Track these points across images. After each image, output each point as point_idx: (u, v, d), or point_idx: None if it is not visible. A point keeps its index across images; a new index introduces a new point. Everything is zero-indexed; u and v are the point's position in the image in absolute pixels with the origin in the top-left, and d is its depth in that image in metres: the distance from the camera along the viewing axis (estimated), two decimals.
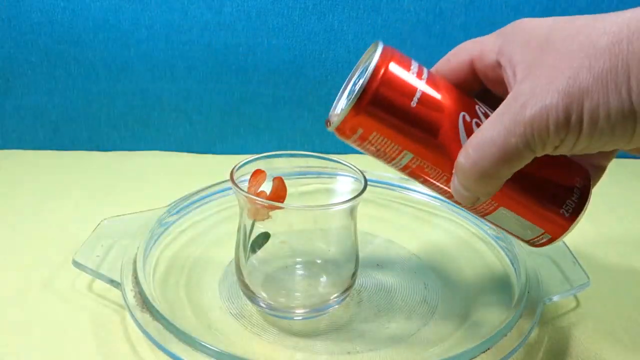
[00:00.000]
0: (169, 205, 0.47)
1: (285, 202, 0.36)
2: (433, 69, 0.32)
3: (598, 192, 0.62)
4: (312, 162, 0.41)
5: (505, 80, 0.28)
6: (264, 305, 0.37)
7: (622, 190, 0.64)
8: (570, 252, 0.44)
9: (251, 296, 0.37)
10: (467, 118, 0.30)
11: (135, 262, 0.39)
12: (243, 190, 0.35)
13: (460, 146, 0.29)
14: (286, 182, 0.37)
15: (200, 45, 0.63)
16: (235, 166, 0.37)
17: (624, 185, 0.66)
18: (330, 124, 0.31)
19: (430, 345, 0.36)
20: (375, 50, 0.30)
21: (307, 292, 0.39)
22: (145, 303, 0.35)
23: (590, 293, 0.43)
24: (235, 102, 0.67)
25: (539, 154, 0.27)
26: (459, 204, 0.31)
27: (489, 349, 0.33)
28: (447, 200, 0.34)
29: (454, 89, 0.31)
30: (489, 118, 0.27)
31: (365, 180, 0.36)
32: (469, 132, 0.29)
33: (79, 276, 0.42)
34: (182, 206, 0.48)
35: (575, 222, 0.32)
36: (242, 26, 0.63)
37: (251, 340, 0.36)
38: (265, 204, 0.35)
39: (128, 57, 0.63)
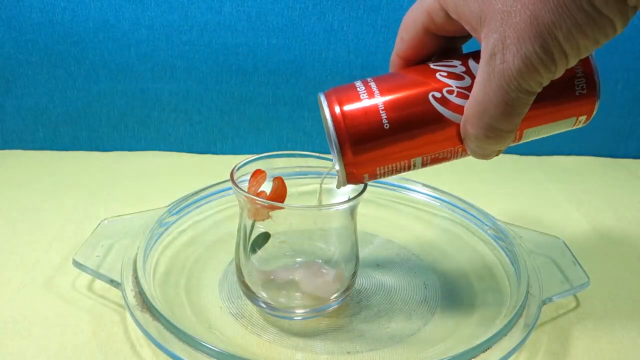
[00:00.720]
0: (169, 205, 0.47)
1: (286, 202, 0.36)
2: (393, 55, 0.33)
3: (598, 192, 0.63)
4: (312, 162, 0.41)
5: (466, 28, 0.28)
6: (264, 305, 0.37)
7: (622, 190, 0.64)
8: (571, 252, 0.44)
9: (251, 296, 0.37)
10: (437, 95, 0.30)
11: (135, 262, 0.39)
12: (243, 191, 0.35)
13: (449, 120, 0.29)
14: (286, 182, 0.37)
15: (200, 45, 0.63)
16: (235, 166, 0.37)
17: (624, 185, 0.66)
18: (340, 184, 0.33)
19: (430, 345, 0.36)
20: (323, 106, 0.30)
21: (307, 293, 0.39)
22: (145, 303, 0.35)
23: (590, 293, 0.43)
24: (235, 102, 0.67)
25: (540, 89, 0.27)
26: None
27: (489, 348, 0.33)
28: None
29: (405, 75, 0.31)
30: (477, 84, 0.27)
31: None
32: (448, 104, 0.29)
33: (79, 276, 0.42)
34: (182, 206, 0.48)
35: (598, 91, 0.30)
36: (242, 26, 0.63)
37: (251, 340, 0.36)
38: (266, 204, 0.35)
39: (128, 57, 0.63)
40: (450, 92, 0.29)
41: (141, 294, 0.36)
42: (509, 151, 0.73)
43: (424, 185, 0.54)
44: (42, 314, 0.38)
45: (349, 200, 0.34)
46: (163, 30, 0.62)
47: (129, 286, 0.37)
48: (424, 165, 0.31)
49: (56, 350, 0.35)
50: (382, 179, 0.34)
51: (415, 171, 0.32)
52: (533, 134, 0.32)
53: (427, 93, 0.30)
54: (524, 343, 0.34)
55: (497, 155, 0.31)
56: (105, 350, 0.35)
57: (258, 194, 0.36)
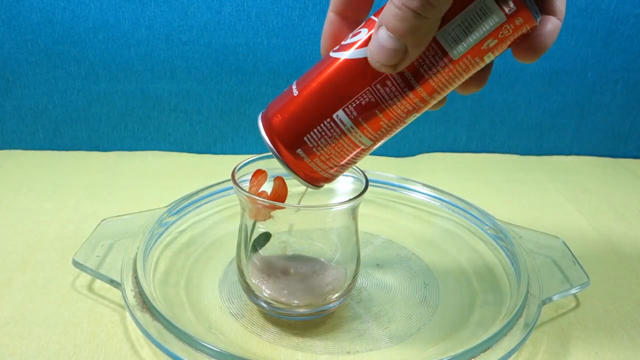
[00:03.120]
0: (169, 205, 0.47)
1: (286, 202, 0.36)
2: (329, 12, 0.32)
3: (598, 192, 0.63)
4: None
5: None
6: (264, 305, 0.37)
7: (622, 190, 0.64)
8: (570, 252, 0.44)
9: (252, 296, 0.37)
10: (335, 48, 0.29)
11: (135, 262, 0.39)
12: (244, 191, 0.35)
13: (349, 61, 0.28)
14: (287, 182, 0.37)
15: (200, 46, 0.63)
16: (236, 166, 0.37)
17: (624, 185, 0.66)
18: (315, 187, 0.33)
19: (430, 345, 0.36)
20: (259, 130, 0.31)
21: (308, 292, 0.39)
22: (145, 303, 0.35)
23: (590, 293, 0.43)
24: (235, 102, 0.67)
25: None
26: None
27: (489, 348, 0.33)
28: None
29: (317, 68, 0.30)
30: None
31: (367, 180, 0.36)
32: (345, 47, 0.29)
33: (79, 276, 0.42)
34: (182, 206, 0.48)
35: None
36: (242, 26, 0.63)
37: (251, 340, 0.36)
38: (267, 204, 0.35)
39: (128, 57, 0.63)
40: (346, 41, 0.29)
41: (141, 294, 0.36)
42: (509, 151, 0.73)
43: (424, 185, 0.54)
44: (42, 314, 0.38)
45: (350, 200, 0.34)
46: (163, 30, 0.62)
47: (128, 286, 0.37)
48: (352, 120, 0.29)
49: (56, 350, 0.35)
50: (347, 171, 0.33)
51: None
52: (453, 31, 0.26)
53: (328, 54, 0.30)
54: (524, 343, 0.34)
55: (400, 62, 0.26)
56: (105, 350, 0.35)
57: (259, 194, 0.36)
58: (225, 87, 0.66)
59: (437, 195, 0.53)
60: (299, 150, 0.30)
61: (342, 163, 0.31)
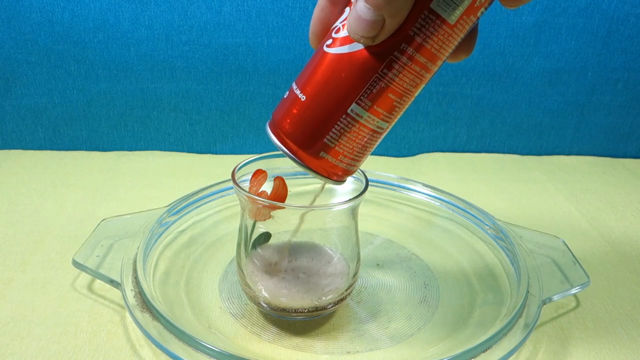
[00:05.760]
0: (169, 205, 0.47)
1: (286, 202, 0.36)
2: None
3: (598, 192, 0.63)
4: None
5: None
6: (265, 305, 0.37)
7: (622, 190, 0.64)
8: (571, 252, 0.44)
9: (252, 296, 0.37)
10: (328, 42, 0.29)
11: (135, 262, 0.39)
12: (245, 190, 0.35)
13: (347, 54, 0.28)
14: (287, 182, 0.37)
15: (200, 45, 0.63)
16: (236, 166, 0.37)
17: (623, 185, 0.66)
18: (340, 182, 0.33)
19: (430, 345, 0.36)
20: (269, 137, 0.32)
21: (308, 292, 0.39)
22: (145, 303, 0.35)
23: (590, 293, 0.43)
24: (235, 102, 0.67)
25: None
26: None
27: (489, 349, 0.33)
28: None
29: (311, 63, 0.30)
30: None
31: (367, 180, 0.36)
32: (339, 40, 0.29)
33: (79, 276, 0.42)
34: (182, 206, 0.48)
35: None
36: (242, 26, 0.63)
37: (251, 340, 0.36)
38: (267, 204, 0.35)
39: (128, 57, 0.63)
40: (337, 30, 0.29)
41: (141, 294, 0.36)
42: (509, 151, 0.73)
43: (424, 185, 0.54)
44: (42, 314, 0.38)
45: (350, 200, 0.34)
46: (163, 30, 0.62)
47: (128, 286, 0.37)
48: (367, 109, 0.29)
49: (56, 350, 0.35)
50: (365, 161, 0.33)
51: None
52: None
53: (321, 47, 0.30)
54: (524, 343, 0.34)
55: (379, 33, 0.27)
56: (105, 350, 0.35)
57: (259, 194, 0.36)
58: (225, 87, 0.66)
59: (437, 195, 0.53)
60: (321, 153, 0.30)
61: (364, 152, 0.32)
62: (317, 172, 0.31)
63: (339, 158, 0.31)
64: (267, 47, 0.64)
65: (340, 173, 0.32)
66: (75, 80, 0.64)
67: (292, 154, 0.31)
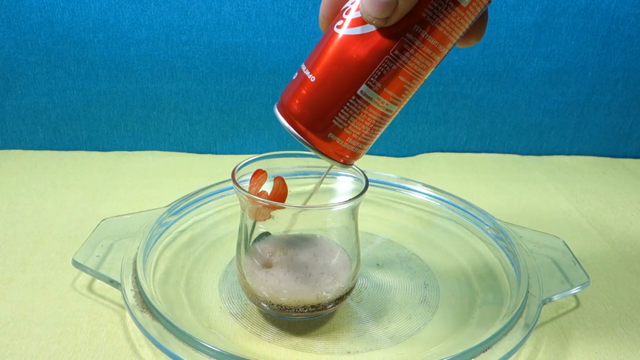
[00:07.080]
0: (169, 205, 0.47)
1: (286, 202, 0.36)
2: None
3: (598, 192, 0.63)
4: (312, 162, 0.41)
5: None
6: (264, 305, 0.37)
7: (622, 190, 0.64)
8: (571, 252, 0.44)
9: (252, 296, 0.37)
10: (339, 23, 0.29)
11: (135, 262, 0.39)
12: (244, 190, 0.35)
13: (360, 35, 0.28)
14: (287, 182, 0.37)
15: (200, 45, 0.63)
16: (236, 166, 0.37)
17: (623, 185, 0.66)
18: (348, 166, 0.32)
19: (430, 345, 0.36)
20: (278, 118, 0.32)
21: (308, 292, 0.39)
22: (145, 303, 0.35)
23: (590, 293, 0.43)
24: (235, 102, 0.67)
25: None
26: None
27: (489, 348, 0.33)
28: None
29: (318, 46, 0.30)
30: None
31: (367, 180, 0.36)
32: (350, 22, 0.28)
33: (79, 276, 0.42)
34: (182, 206, 0.48)
35: None
36: (242, 26, 0.63)
37: (251, 340, 0.36)
38: (267, 204, 0.35)
39: (128, 57, 0.63)
40: (348, 10, 0.29)
41: (141, 294, 0.36)
42: (509, 151, 0.73)
43: (424, 185, 0.54)
44: (42, 314, 0.38)
45: (350, 200, 0.34)
46: (163, 30, 0.62)
47: (128, 286, 0.37)
48: (377, 91, 0.29)
49: (56, 350, 0.35)
50: (370, 146, 0.33)
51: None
52: None
53: (332, 28, 0.29)
54: (524, 343, 0.34)
55: (392, 15, 0.27)
56: (105, 350, 0.35)
57: (259, 194, 0.36)
58: (225, 87, 0.66)
59: (437, 195, 0.53)
60: (330, 135, 0.30)
61: (372, 135, 0.31)
62: (325, 154, 0.31)
63: (348, 140, 0.30)
64: (267, 47, 0.64)
65: (347, 156, 0.32)
66: (75, 80, 0.64)
67: (301, 135, 0.30)
